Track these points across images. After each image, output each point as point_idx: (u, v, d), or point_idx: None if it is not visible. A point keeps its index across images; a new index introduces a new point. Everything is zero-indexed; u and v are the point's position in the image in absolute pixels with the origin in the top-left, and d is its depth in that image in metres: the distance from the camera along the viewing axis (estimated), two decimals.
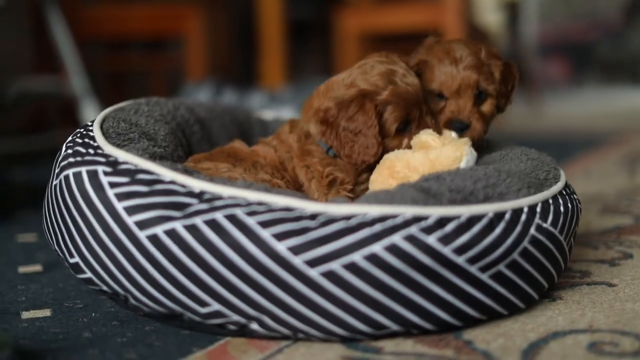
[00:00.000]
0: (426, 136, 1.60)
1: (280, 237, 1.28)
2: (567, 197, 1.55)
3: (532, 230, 1.40)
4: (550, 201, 1.48)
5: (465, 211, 1.35)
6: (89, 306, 1.58)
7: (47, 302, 1.61)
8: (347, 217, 1.31)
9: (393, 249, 1.28)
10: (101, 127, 1.55)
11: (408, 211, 1.32)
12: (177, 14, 4.42)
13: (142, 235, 1.33)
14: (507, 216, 1.38)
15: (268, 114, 2.27)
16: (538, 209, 1.44)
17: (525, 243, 1.38)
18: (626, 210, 2.32)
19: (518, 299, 1.40)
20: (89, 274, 1.42)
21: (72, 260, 1.44)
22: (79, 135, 1.53)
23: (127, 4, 4.59)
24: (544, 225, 1.42)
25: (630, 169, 3.16)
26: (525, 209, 1.41)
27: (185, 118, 1.85)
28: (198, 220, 1.30)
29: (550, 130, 4.42)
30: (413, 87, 1.61)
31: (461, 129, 1.67)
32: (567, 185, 1.62)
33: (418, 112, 1.62)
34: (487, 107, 1.72)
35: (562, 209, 1.49)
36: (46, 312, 1.54)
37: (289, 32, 4.65)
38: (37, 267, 1.88)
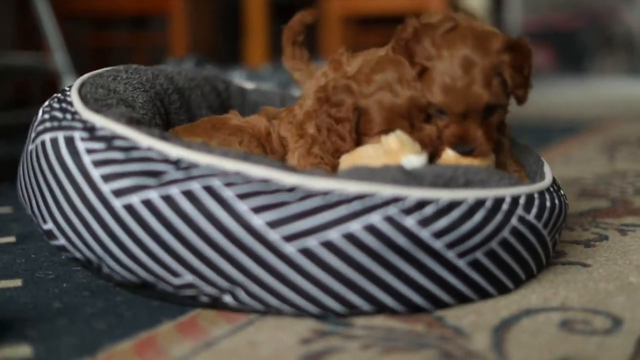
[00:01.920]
0: (390, 138, 1.50)
1: (257, 210, 1.27)
2: (553, 193, 1.55)
3: (514, 221, 1.39)
4: (536, 195, 1.47)
5: (445, 195, 1.34)
6: (61, 277, 1.57)
7: (19, 273, 1.60)
8: (325, 193, 1.30)
9: (370, 229, 1.27)
10: (79, 93, 1.52)
11: (387, 191, 1.31)
12: None
13: (117, 203, 1.32)
14: (488, 204, 1.37)
15: (249, 84, 2.25)
16: (521, 201, 1.42)
17: (505, 233, 1.37)
18: (603, 194, 2.32)
19: (493, 288, 1.40)
20: (62, 241, 1.41)
21: (45, 227, 1.42)
22: (56, 100, 1.51)
23: None
24: (527, 217, 1.41)
25: (609, 154, 3.16)
26: (508, 199, 1.40)
27: (164, 87, 1.83)
28: (174, 190, 1.29)
29: (532, 117, 4.42)
30: (402, 100, 1.50)
31: (465, 153, 1.51)
32: (554, 182, 1.61)
33: (407, 123, 1.51)
34: (495, 119, 1.53)
35: (547, 204, 1.48)
36: (17, 282, 1.53)
37: (273, 13, 4.64)
38: (11, 239, 1.86)
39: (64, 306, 1.40)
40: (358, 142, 1.55)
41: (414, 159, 1.47)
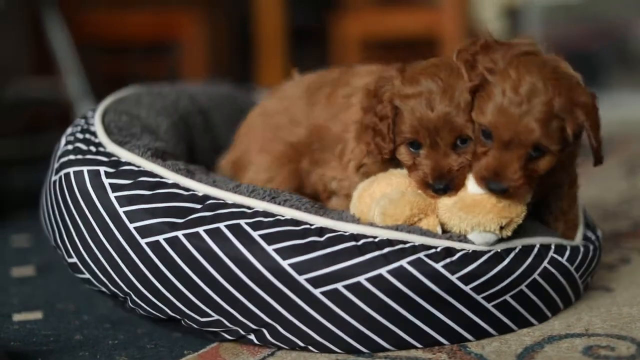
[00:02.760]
0: (394, 177, 1.43)
1: (285, 253, 1.27)
2: (589, 242, 1.53)
3: (545, 263, 1.38)
4: (568, 245, 1.46)
5: (472, 247, 1.34)
6: (81, 309, 1.57)
7: (39, 305, 1.60)
8: (356, 238, 1.30)
9: (400, 272, 1.27)
10: (102, 122, 1.52)
11: (418, 239, 1.31)
12: (175, 20, 4.41)
13: (143, 242, 1.31)
14: (517, 250, 1.36)
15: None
16: (552, 246, 1.42)
17: (536, 275, 1.36)
18: (625, 216, 2.30)
19: (515, 324, 1.39)
20: (87, 275, 1.40)
21: (70, 260, 1.42)
22: (79, 129, 1.51)
23: (125, 9, 4.57)
24: (559, 259, 1.40)
25: (630, 174, 3.13)
26: (537, 246, 1.40)
27: (188, 109, 1.82)
28: (200, 230, 1.29)
29: None
30: (434, 115, 1.34)
31: (496, 191, 1.33)
32: (587, 225, 1.58)
33: (429, 140, 1.36)
34: (542, 164, 1.34)
35: (581, 248, 1.47)
36: (37, 315, 1.54)
37: (289, 37, 4.64)
38: (29, 270, 1.86)
39: (84, 339, 1.41)
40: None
41: (480, 236, 1.36)
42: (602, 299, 1.52)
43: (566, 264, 1.41)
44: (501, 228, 1.35)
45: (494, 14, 5.56)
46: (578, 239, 1.51)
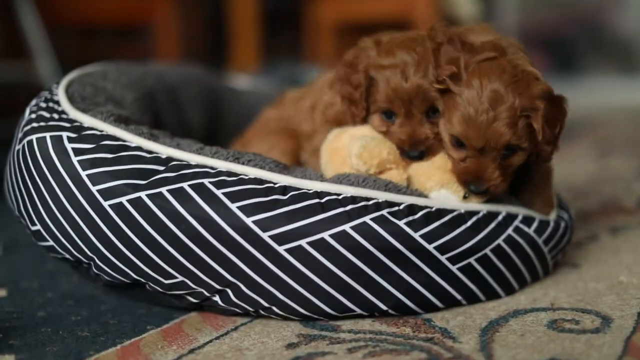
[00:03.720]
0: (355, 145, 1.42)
1: (248, 211, 1.26)
2: (561, 220, 1.53)
3: (510, 231, 1.38)
4: (537, 217, 1.46)
5: (436, 204, 1.35)
6: (46, 287, 1.56)
7: (3, 283, 1.59)
8: (320, 195, 1.30)
9: (363, 229, 1.27)
10: (66, 91, 1.51)
11: (381, 196, 1.32)
12: (148, 3, 4.39)
13: (106, 204, 1.30)
14: (480, 214, 1.37)
15: (242, 84, 2.23)
16: (519, 216, 1.42)
17: (500, 241, 1.37)
18: (595, 195, 2.31)
19: (483, 293, 1.39)
20: (50, 242, 1.39)
21: (33, 228, 1.40)
22: (43, 99, 1.50)
23: None
24: (526, 229, 1.41)
25: (601, 155, 3.15)
26: (503, 213, 1.40)
27: (155, 87, 1.82)
28: (164, 190, 1.28)
29: None
30: (409, 86, 1.41)
31: (482, 193, 1.39)
32: (561, 209, 1.58)
33: (403, 110, 1.43)
34: (516, 160, 1.40)
35: (551, 223, 1.48)
36: (2, 293, 1.52)
37: (263, 21, 4.63)
38: None
39: (48, 315, 1.39)
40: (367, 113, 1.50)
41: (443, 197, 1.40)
42: (569, 275, 1.53)
43: (533, 234, 1.42)
44: (464, 197, 1.39)
45: None
46: (552, 216, 1.51)
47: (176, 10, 4.44)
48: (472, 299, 1.37)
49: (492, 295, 1.40)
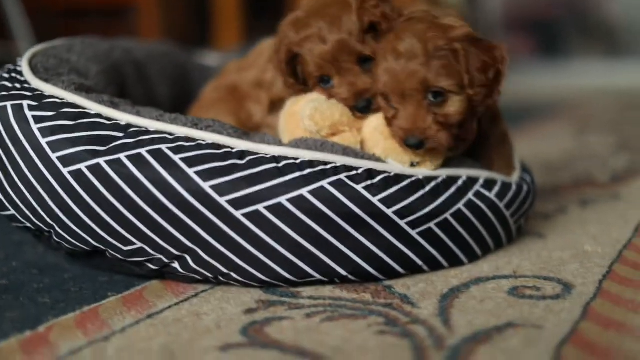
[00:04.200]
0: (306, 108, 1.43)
1: (206, 176, 1.26)
2: (522, 180, 1.55)
3: (470, 195, 1.39)
4: (499, 180, 1.47)
5: (394, 169, 1.35)
6: (10, 256, 1.55)
7: None
8: (277, 159, 1.29)
9: (320, 193, 1.27)
10: (30, 63, 1.50)
11: (339, 160, 1.31)
12: None
13: (65, 171, 1.29)
14: (439, 179, 1.37)
15: (211, 59, 2.23)
16: (480, 180, 1.42)
17: (461, 205, 1.37)
18: (569, 170, 2.32)
19: (445, 260, 1.40)
20: (11, 211, 1.39)
21: None
22: (6, 70, 1.49)
23: None
24: (487, 194, 1.41)
25: (579, 133, 3.16)
26: (464, 177, 1.41)
27: (121, 60, 1.81)
28: (122, 156, 1.28)
29: (510, 103, 4.43)
30: (329, 46, 1.43)
31: (418, 147, 1.37)
32: (524, 172, 1.60)
33: (334, 69, 1.44)
34: (452, 108, 1.37)
35: (513, 186, 1.49)
36: None
37: (246, 3, 4.62)
38: None
39: (10, 283, 1.39)
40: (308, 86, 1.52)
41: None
42: (533, 244, 1.53)
43: (494, 199, 1.42)
44: (412, 166, 1.39)
45: None
46: (514, 178, 1.52)
47: None
48: (433, 265, 1.38)
49: (454, 261, 1.40)
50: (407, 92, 1.35)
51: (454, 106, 1.37)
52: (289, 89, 1.53)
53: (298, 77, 1.52)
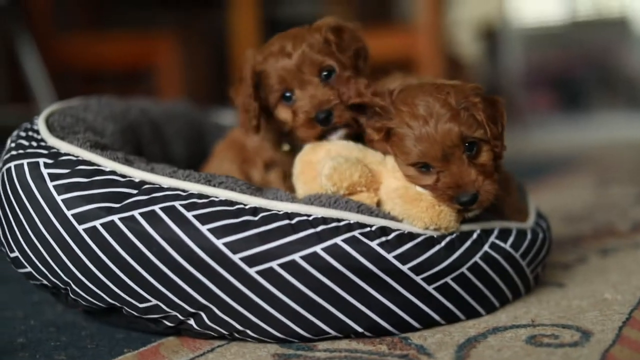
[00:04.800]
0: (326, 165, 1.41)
1: (219, 233, 1.26)
2: (537, 226, 1.54)
3: (486, 248, 1.38)
4: (514, 229, 1.46)
5: (408, 227, 1.34)
6: (29, 316, 1.56)
7: None
8: (290, 216, 1.29)
9: (334, 250, 1.26)
10: (46, 121, 1.52)
11: (353, 217, 1.31)
12: (151, 46, 4.43)
13: (80, 228, 1.30)
14: (454, 234, 1.37)
15: (226, 119, 2.25)
16: (495, 231, 1.41)
17: (477, 258, 1.36)
18: (588, 220, 2.30)
19: (462, 313, 1.38)
20: (28, 268, 1.39)
21: (12, 255, 1.41)
22: (23, 129, 1.51)
23: (100, 37, 4.59)
24: (502, 245, 1.40)
25: (600, 185, 3.14)
26: (478, 231, 1.40)
27: (138, 120, 1.83)
28: (136, 213, 1.28)
29: (529, 157, 4.43)
30: (293, 59, 1.46)
31: (472, 203, 1.35)
32: (538, 216, 1.59)
33: (297, 82, 1.47)
34: (484, 157, 1.38)
35: (529, 235, 1.47)
36: None
37: None
38: None
39: (27, 341, 1.39)
40: (269, 115, 1.55)
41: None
42: (552, 294, 1.51)
43: (509, 249, 1.41)
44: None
45: (471, 36, 5.59)
46: (528, 224, 1.51)
47: (179, 52, 4.48)
48: (450, 319, 1.36)
49: (471, 313, 1.38)
50: (447, 151, 1.34)
51: (486, 154, 1.37)
52: (247, 117, 1.53)
53: (261, 101, 1.53)
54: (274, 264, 1.25)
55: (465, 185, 1.33)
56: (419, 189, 1.38)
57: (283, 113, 1.51)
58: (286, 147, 1.58)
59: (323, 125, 1.44)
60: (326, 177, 1.37)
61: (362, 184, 1.39)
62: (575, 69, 8.42)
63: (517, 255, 1.42)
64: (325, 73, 1.47)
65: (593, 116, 7.73)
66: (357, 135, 1.48)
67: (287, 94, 1.49)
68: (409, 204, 1.37)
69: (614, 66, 8.28)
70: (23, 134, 1.48)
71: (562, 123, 7.61)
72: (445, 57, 4.46)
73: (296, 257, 1.25)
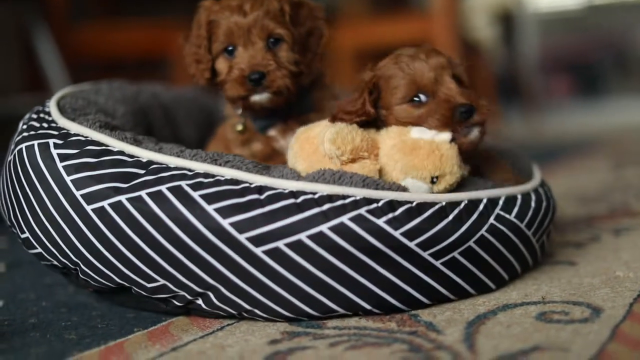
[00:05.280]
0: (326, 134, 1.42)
1: (225, 213, 1.26)
2: (541, 194, 1.53)
3: (492, 220, 1.36)
4: (519, 196, 1.45)
5: (416, 198, 1.33)
6: (42, 297, 1.57)
7: (2, 295, 1.60)
8: (295, 195, 1.28)
9: (341, 229, 1.25)
10: (58, 104, 1.53)
11: (359, 193, 1.29)
12: (165, 36, 4.43)
13: (89, 208, 1.31)
14: (462, 205, 1.35)
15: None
16: (500, 201, 1.40)
17: (483, 231, 1.35)
18: (604, 201, 2.29)
19: (472, 287, 1.38)
20: (39, 249, 1.40)
21: (23, 236, 1.42)
22: (35, 112, 1.52)
23: (115, 26, 4.60)
24: (507, 216, 1.39)
25: (616, 167, 3.12)
26: (484, 200, 1.38)
27: (149, 103, 1.84)
28: (143, 193, 1.29)
29: (546, 141, 4.41)
30: (248, 18, 1.53)
31: (470, 113, 1.39)
32: (542, 184, 1.59)
33: (243, 40, 1.53)
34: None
35: (532, 204, 1.47)
36: None
37: None
38: (1, 268, 1.86)
39: (39, 321, 1.41)
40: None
41: (412, 185, 1.39)
42: (564, 272, 1.51)
43: (514, 220, 1.40)
44: (432, 182, 1.37)
45: (487, 20, 5.55)
46: (533, 184, 1.53)
47: None
48: (460, 293, 1.36)
49: (481, 288, 1.38)
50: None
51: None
52: (198, 66, 1.60)
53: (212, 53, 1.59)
54: (280, 244, 1.24)
55: (459, 98, 1.40)
56: (414, 134, 1.40)
57: (221, 64, 1.58)
58: (239, 127, 1.64)
59: (254, 85, 1.50)
60: (330, 140, 1.37)
61: (364, 149, 1.39)
62: (592, 54, 8.38)
63: (522, 226, 1.42)
64: (272, 40, 1.54)
65: (609, 100, 7.69)
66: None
67: (230, 48, 1.56)
68: (409, 155, 1.38)
69: (630, 50, 8.23)
70: (35, 115, 1.49)
71: (578, 107, 7.58)
72: (461, 42, 4.44)
73: (302, 236, 1.24)
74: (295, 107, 1.60)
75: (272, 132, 1.62)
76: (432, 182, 1.38)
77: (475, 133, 1.40)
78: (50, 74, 3.59)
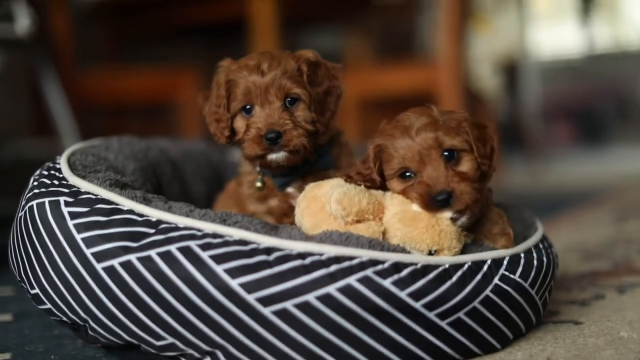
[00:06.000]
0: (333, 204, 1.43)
1: (234, 273, 1.27)
2: (542, 251, 1.55)
3: (496, 280, 1.38)
4: (522, 255, 1.47)
5: (421, 260, 1.34)
6: (50, 350, 1.57)
7: (9, 347, 1.60)
8: (303, 256, 1.30)
9: (348, 291, 1.27)
10: (68, 160, 1.55)
11: (365, 254, 1.31)
12: (172, 82, 4.46)
13: (99, 267, 1.33)
14: (465, 267, 1.37)
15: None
16: (505, 262, 1.42)
17: (488, 292, 1.36)
18: (606, 256, 2.30)
19: (477, 347, 1.38)
20: (48, 305, 1.42)
21: (33, 292, 1.44)
22: (45, 168, 1.55)
23: (123, 72, 4.63)
24: (512, 276, 1.41)
25: (618, 220, 3.13)
26: (489, 262, 1.40)
27: (158, 159, 1.86)
28: (152, 252, 1.30)
29: (548, 190, 4.43)
30: (265, 78, 1.56)
31: (446, 201, 1.39)
32: (544, 239, 1.61)
33: (260, 99, 1.56)
34: (466, 166, 1.44)
35: (535, 262, 1.48)
36: (6, 356, 1.53)
37: None
38: (7, 317, 1.87)
39: None
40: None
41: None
42: (569, 331, 1.51)
43: (519, 280, 1.42)
44: (430, 254, 1.39)
45: (491, 70, 5.60)
46: (532, 241, 1.55)
47: (201, 87, 4.51)
48: (466, 354, 1.37)
49: (487, 348, 1.39)
50: (424, 153, 1.42)
51: (468, 165, 1.44)
52: (218, 125, 1.64)
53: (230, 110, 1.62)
54: (288, 304, 1.26)
55: (440, 184, 1.39)
56: (415, 208, 1.42)
57: (239, 123, 1.61)
58: (259, 184, 1.66)
59: (270, 144, 1.53)
60: (336, 201, 1.39)
61: (370, 212, 1.41)
62: (594, 102, 8.42)
63: (526, 285, 1.43)
64: (289, 99, 1.57)
65: (611, 148, 7.72)
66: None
67: (248, 107, 1.59)
68: (408, 226, 1.40)
69: (632, 99, 8.27)
70: (45, 172, 1.52)
71: (580, 155, 7.60)
72: (466, 91, 4.46)
73: (310, 297, 1.26)
74: (315, 164, 1.63)
75: (290, 189, 1.64)
76: (430, 254, 1.39)
77: (462, 219, 1.42)
78: (57, 118, 3.61)
